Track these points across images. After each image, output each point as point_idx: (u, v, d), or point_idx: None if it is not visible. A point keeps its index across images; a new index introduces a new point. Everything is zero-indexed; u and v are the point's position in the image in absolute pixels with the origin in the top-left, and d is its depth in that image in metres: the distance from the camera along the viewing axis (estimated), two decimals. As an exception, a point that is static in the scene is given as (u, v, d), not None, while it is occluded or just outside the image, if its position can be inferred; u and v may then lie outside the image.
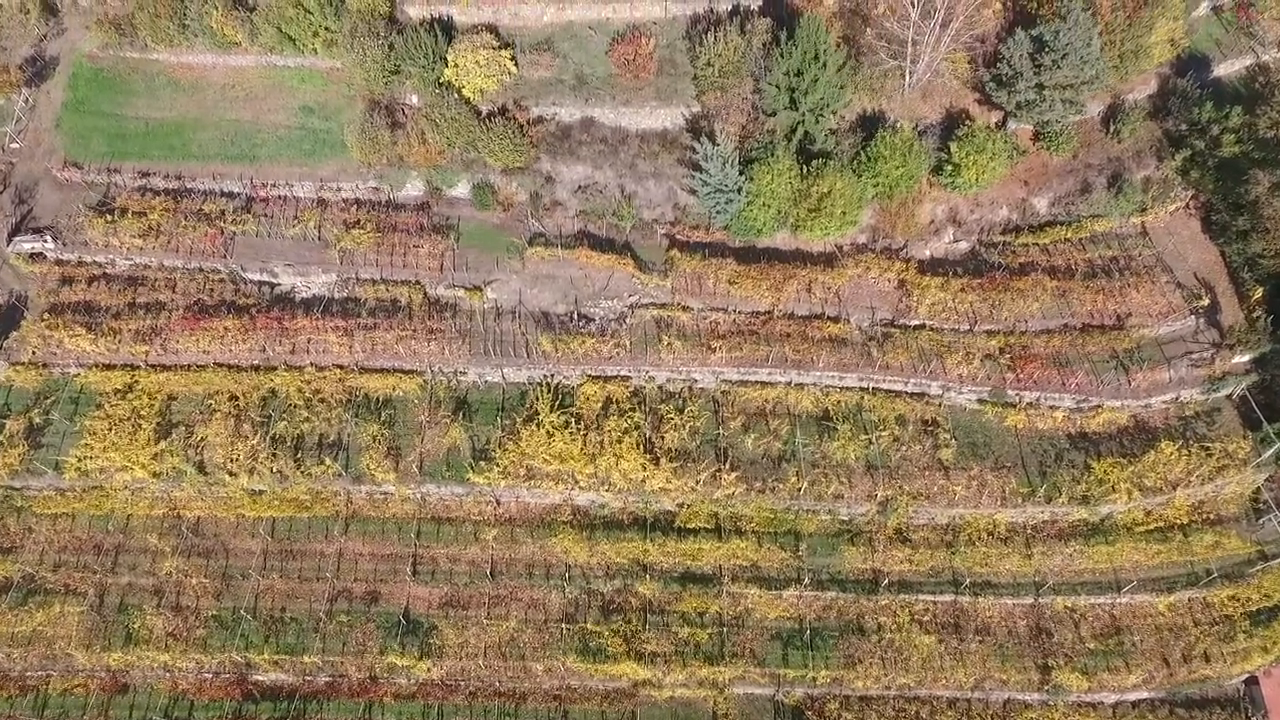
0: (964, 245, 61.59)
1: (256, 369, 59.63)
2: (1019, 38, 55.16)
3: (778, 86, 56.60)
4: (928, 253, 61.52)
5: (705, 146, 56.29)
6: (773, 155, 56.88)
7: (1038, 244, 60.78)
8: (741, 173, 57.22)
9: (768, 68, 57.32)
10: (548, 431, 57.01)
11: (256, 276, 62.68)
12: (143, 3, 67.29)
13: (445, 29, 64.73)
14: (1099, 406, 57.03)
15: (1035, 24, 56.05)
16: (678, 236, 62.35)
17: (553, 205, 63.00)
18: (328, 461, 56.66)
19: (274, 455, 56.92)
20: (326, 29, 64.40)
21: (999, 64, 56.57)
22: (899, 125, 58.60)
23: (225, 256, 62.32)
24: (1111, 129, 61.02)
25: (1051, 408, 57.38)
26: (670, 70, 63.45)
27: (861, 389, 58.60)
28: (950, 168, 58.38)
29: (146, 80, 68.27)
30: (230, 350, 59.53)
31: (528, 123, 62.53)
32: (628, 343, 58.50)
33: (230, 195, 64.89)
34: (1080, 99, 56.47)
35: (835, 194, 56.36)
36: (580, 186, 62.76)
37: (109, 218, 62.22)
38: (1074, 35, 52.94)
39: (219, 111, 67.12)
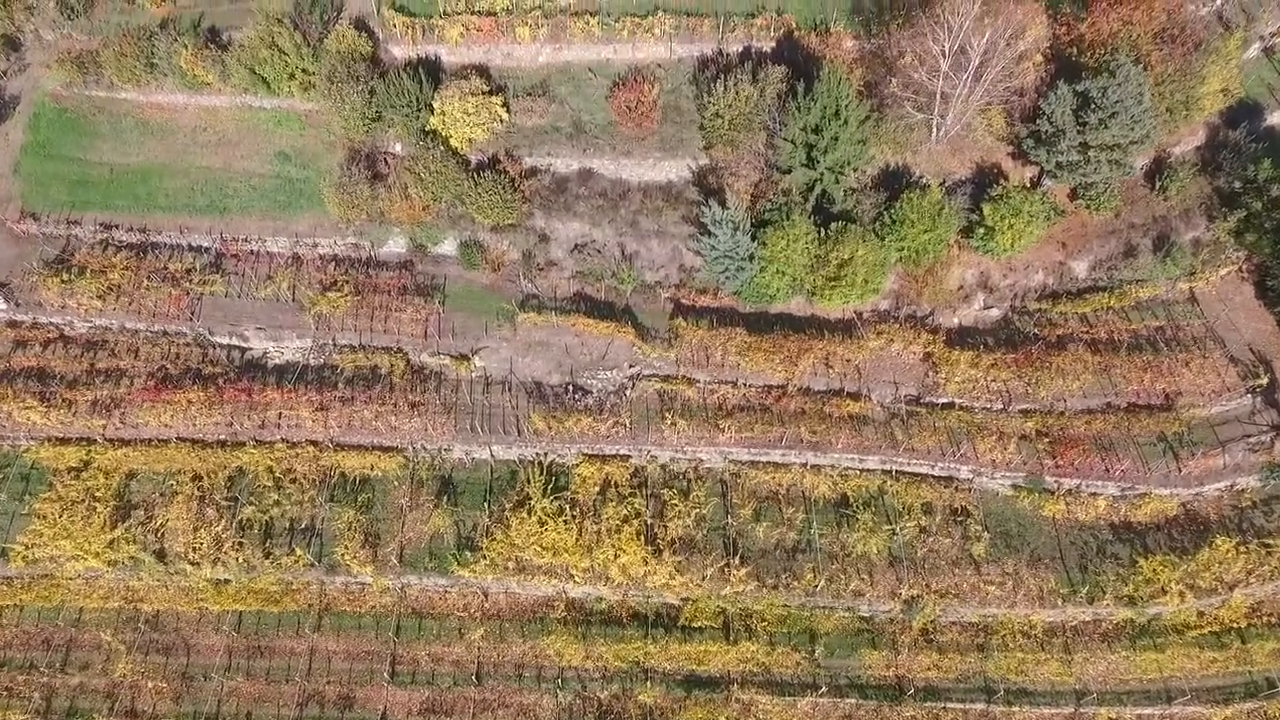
0: (996, 312, 56.41)
1: (223, 444, 54.69)
2: (1061, 93, 49.86)
3: (794, 143, 51.50)
4: (956, 320, 56.34)
5: (714, 210, 51.22)
6: (788, 219, 51.74)
7: (1077, 313, 55.53)
8: (753, 237, 52.11)
9: (783, 122, 52.18)
10: (540, 519, 52.00)
11: (225, 340, 57.71)
12: (108, 40, 62.77)
13: (433, 70, 59.98)
14: (1146, 495, 51.89)
15: (1080, 76, 50.89)
16: (683, 301, 57.25)
17: (547, 265, 57.98)
18: (299, 550, 51.70)
19: (240, 543, 52.02)
20: (304, 71, 59.43)
21: (1038, 120, 51.33)
22: (926, 185, 53.53)
23: (192, 319, 57.37)
24: (1157, 185, 55.83)
25: (1093, 495, 52.25)
26: (675, 118, 58.46)
27: (884, 472, 53.49)
28: (982, 230, 53.21)
29: (113, 121, 63.40)
30: (195, 424, 54.57)
31: (520, 175, 57.52)
32: (628, 422, 53.43)
33: (198, 250, 59.96)
34: (1129, 160, 51.21)
35: (856, 261, 51.26)
36: (577, 245, 57.71)
37: (66, 276, 57.25)
38: (1124, 92, 47.70)
39: (188, 157, 62.21)
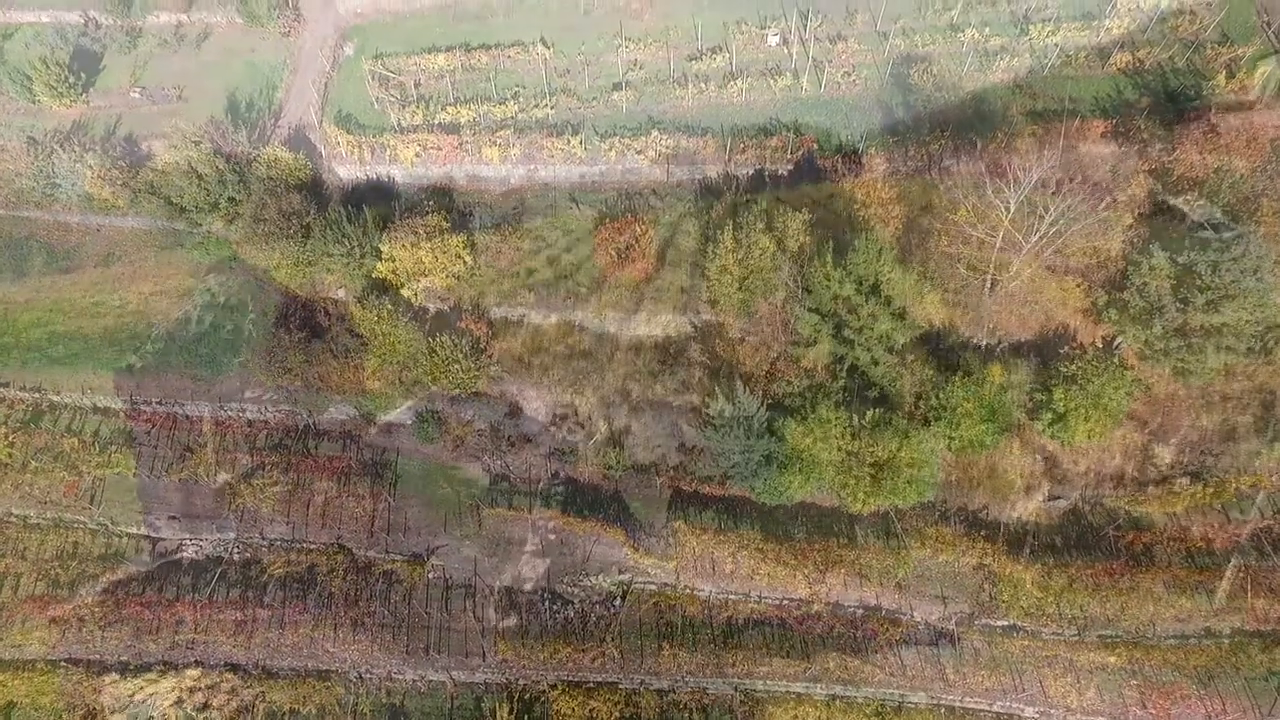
0: (1064, 503, 46.45)
1: (125, 669, 44.91)
2: (1157, 261, 39.77)
3: (821, 314, 41.60)
4: (1015, 514, 46.39)
5: (720, 405, 41.21)
6: (814, 410, 41.71)
7: (1165, 511, 45.53)
8: (770, 427, 42.12)
9: (807, 287, 42.25)
10: (508, 776, 42.30)
11: (133, 530, 47.93)
12: (3, 150, 53.36)
13: (386, 193, 50.57)
14: (1256, 746, 42.10)
15: (1173, 221, 40.92)
16: (683, 487, 47.31)
17: (520, 441, 48.11)
18: (210, 818, 42.03)
19: (139, 805, 42.36)
20: (231, 200, 49.78)
21: (1127, 290, 41.35)
22: (980, 349, 43.63)
23: (91, 504, 47.63)
24: (1260, 346, 45.83)
25: (1190, 743, 42.47)
26: (673, 256, 48.63)
27: (930, 707, 43.64)
28: (1051, 415, 43.26)
29: (13, 247, 54.26)
30: (90, 644, 44.84)
31: (486, 334, 47.65)
32: (617, 653, 43.55)
33: (104, 413, 50.17)
34: (1242, 345, 41.10)
35: (899, 462, 41.30)
36: (555, 417, 47.88)
37: (-61, 452, 47.64)
38: (1242, 268, 37.67)
39: (98, 293, 52.58)
